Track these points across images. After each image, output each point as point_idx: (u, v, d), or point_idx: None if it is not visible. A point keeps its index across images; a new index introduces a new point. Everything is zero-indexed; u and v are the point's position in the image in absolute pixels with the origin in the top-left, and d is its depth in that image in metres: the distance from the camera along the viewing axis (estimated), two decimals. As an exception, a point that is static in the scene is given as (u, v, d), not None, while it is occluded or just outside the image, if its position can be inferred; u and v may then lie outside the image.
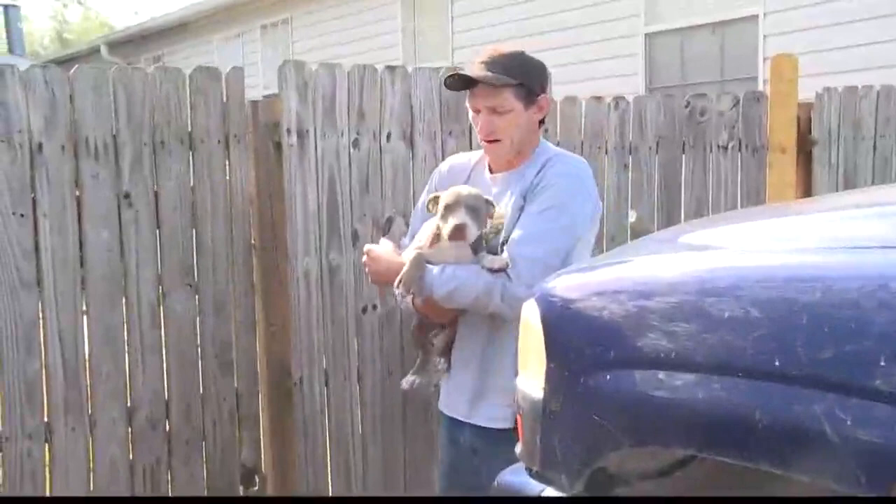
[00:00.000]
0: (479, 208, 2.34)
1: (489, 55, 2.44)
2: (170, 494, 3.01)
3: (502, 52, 2.46)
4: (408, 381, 2.68)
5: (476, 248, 2.37)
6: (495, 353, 2.44)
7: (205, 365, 3.05)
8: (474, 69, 2.43)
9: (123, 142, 2.88)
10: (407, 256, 2.46)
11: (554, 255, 2.29)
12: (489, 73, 2.39)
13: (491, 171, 2.55)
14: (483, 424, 2.47)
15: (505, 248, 2.37)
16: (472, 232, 2.31)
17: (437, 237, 2.40)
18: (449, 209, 2.34)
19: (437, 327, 2.57)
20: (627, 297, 1.64)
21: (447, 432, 2.65)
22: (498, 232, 2.43)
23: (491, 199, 2.40)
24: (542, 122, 2.54)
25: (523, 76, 2.42)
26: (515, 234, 2.35)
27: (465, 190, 2.39)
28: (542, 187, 2.38)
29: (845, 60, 6.33)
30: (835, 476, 1.23)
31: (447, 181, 2.59)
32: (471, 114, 2.51)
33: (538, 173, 2.41)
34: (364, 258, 2.62)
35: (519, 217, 2.38)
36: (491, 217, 2.40)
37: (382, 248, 2.64)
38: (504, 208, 2.44)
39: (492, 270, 2.31)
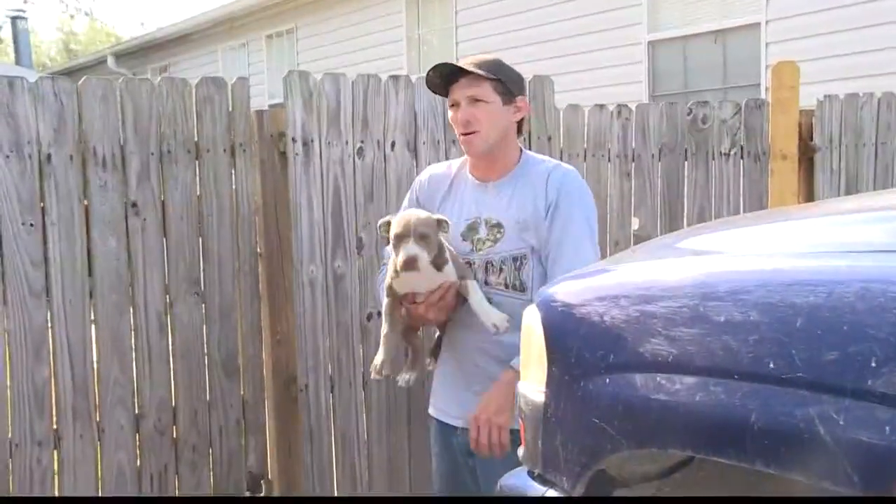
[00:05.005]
0: (429, 234, 2.35)
1: (468, 59, 2.52)
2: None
3: (481, 57, 2.54)
4: (403, 378, 2.68)
5: (440, 264, 2.40)
6: (494, 362, 2.47)
7: (211, 372, 3.08)
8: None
9: (131, 151, 2.91)
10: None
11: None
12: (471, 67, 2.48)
13: (476, 178, 2.58)
14: None
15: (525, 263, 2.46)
16: (424, 260, 2.33)
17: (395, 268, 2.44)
18: (399, 239, 2.35)
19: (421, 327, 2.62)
20: (628, 302, 1.66)
21: (441, 438, 2.68)
22: (496, 241, 2.48)
23: (444, 217, 2.42)
24: (520, 128, 2.58)
25: (503, 75, 2.49)
26: (560, 252, 2.42)
27: (413, 217, 2.39)
28: (564, 205, 2.45)
29: (847, 68, 6.35)
30: (828, 477, 1.25)
31: (427, 191, 2.65)
32: (450, 113, 2.55)
33: (547, 187, 2.46)
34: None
35: (549, 227, 2.44)
36: (445, 232, 2.42)
37: None
38: (502, 217, 2.49)
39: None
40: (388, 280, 2.49)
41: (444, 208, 2.58)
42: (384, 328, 2.53)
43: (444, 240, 2.45)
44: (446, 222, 2.41)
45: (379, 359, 2.51)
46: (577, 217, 2.45)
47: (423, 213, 2.43)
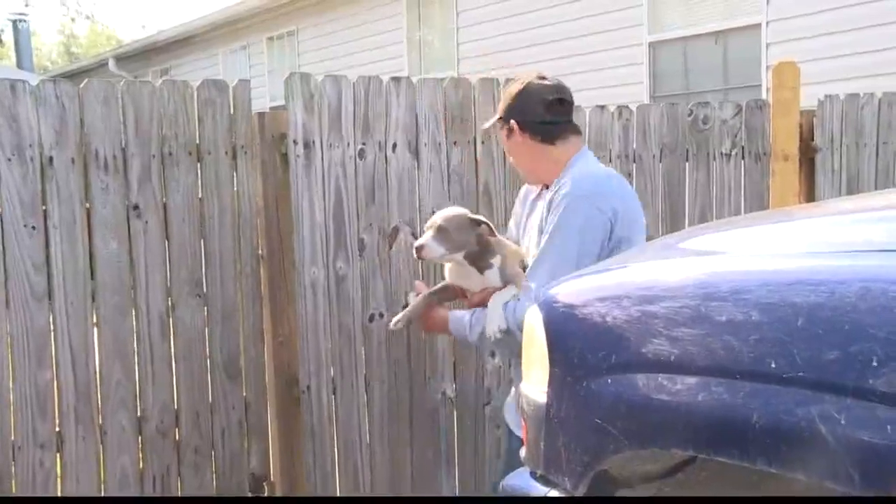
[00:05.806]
0: (448, 229, 2.51)
1: None
2: None
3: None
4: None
5: (482, 266, 2.54)
6: None
7: (213, 374, 3.08)
8: None
9: (132, 154, 2.91)
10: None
11: (547, 275, 2.34)
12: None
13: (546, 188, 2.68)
14: None
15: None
16: (434, 250, 2.50)
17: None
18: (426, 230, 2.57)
19: None
20: (630, 302, 1.66)
21: (508, 439, 2.74)
22: (530, 250, 2.60)
23: (481, 217, 2.58)
24: (546, 136, 2.57)
25: (502, 111, 2.65)
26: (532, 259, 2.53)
27: (446, 212, 2.60)
28: (550, 217, 2.47)
29: (847, 68, 6.35)
30: (830, 476, 1.25)
31: (522, 200, 2.80)
32: None
33: (551, 199, 2.52)
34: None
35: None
36: (484, 234, 2.55)
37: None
38: (533, 227, 2.59)
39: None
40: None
41: (530, 217, 2.69)
42: (426, 290, 2.73)
43: (509, 244, 2.63)
44: (487, 224, 2.54)
45: (400, 313, 2.74)
46: (552, 230, 2.44)
47: (459, 212, 2.60)
